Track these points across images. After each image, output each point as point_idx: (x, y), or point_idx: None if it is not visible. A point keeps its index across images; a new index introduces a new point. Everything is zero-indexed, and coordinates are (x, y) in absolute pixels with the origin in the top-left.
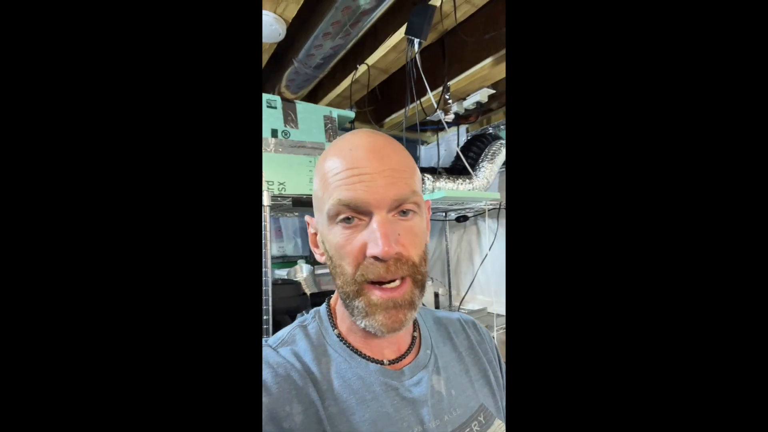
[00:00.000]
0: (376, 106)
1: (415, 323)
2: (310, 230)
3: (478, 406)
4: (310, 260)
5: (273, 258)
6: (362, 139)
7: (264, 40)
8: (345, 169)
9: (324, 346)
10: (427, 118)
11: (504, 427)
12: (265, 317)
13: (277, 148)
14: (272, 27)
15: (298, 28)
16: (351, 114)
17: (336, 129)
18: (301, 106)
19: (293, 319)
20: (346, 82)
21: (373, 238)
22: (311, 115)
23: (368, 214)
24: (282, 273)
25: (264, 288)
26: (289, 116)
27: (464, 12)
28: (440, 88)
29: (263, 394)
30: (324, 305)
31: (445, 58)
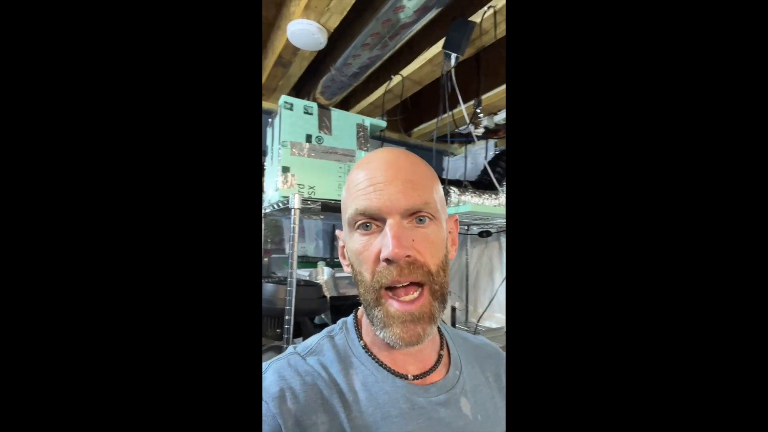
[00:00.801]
0: (406, 115)
1: (443, 342)
2: (340, 243)
3: (501, 431)
4: (331, 263)
5: None
6: (382, 154)
7: (306, 48)
8: (363, 180)
9: (350, 358)
10: (457, 130)
11: None
12: (287, 317)
13: (310, 153)
14: (314, 36)
15: (339, 38)
16: (383, 123)
17: (367, 137)
18: (336, 114)
19: (312, 321)
20: (379, 92)
21: (385, 241)
22: (345, 123)
23: (383, 220)
24: (304, 273)
25: (288, 289)
26: (324, 123)
27: (503, 30)
28: (472, 102)
29: (293, 401)
30: (351, 316)
31: (480, 72)
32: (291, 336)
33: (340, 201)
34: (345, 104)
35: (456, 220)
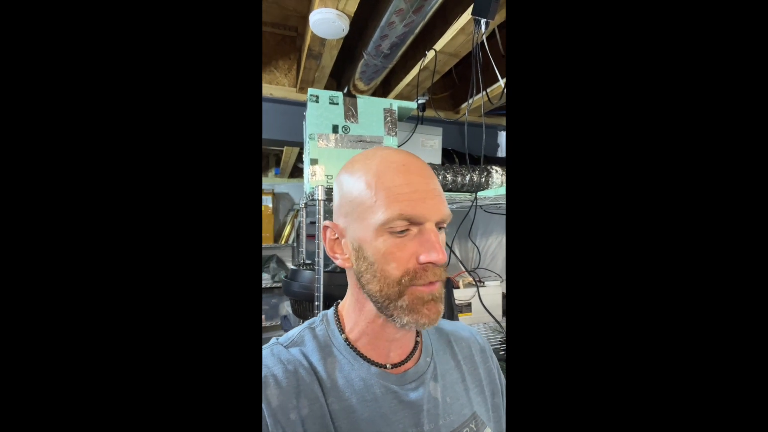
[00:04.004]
0: (453, 90)
1: (418, 330)
2: (331, 236)
3: (471, 414)
4: None
5: None
6: (408, 158)
7: (330, 37)
8: (404, 185)
9: (330, 348)
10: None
11: None
12: (317, 303)
13: (338, 144)
14: (335, 24)
15: (365, 21)
16: (412, 105)
17: (395, 121)
18: (362, 101)
19: None
20: (415, 70)
21: (430, 246)
22: (371, 109)
23: (420, 224)
24: None
25: (317, 276)
26: (350, 111)
27: None
28: None
29: (275, 386)
30: (332, 310)
31: None
32: None
33: None
34: (386, 86)
35: None
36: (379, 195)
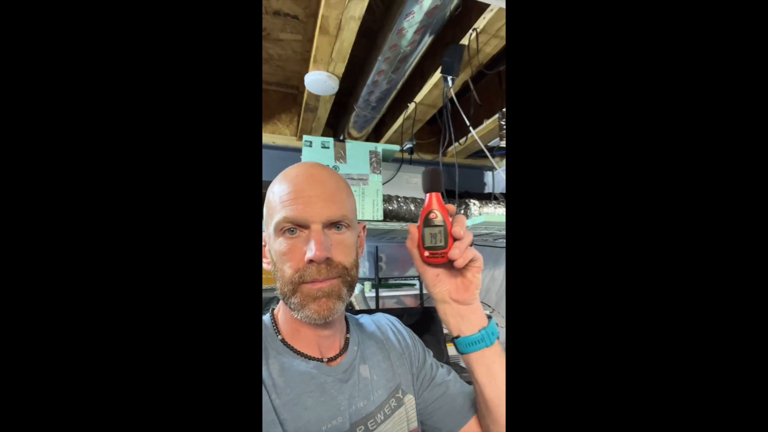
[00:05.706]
0: (438, 137)
1: (349, 327)
2: (262, 245)
3: (395, 386)
4: (374, 283)
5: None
6: (305, 168)
7: (322, 93)
8: (290, 192)
9: (268, 350)
10: (489, 144)
11: (414, 400)
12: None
13: None
14: (326, 83)
15: (355, 79)
16: (395, 148)
17: (380, 161)
18: (350, 145)
19: None
20: (400, 120)
21: (309, 245)
22: (358, 151)
23: (307, 227)
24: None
25: None
26: (339, 153)
27: (495, 46)
28: (496, 115)
29: None
30: (268, 315)
31: (502, 87)
32: None
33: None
34: (377, 133)
35: (364, 226)
36: (274, 204)
